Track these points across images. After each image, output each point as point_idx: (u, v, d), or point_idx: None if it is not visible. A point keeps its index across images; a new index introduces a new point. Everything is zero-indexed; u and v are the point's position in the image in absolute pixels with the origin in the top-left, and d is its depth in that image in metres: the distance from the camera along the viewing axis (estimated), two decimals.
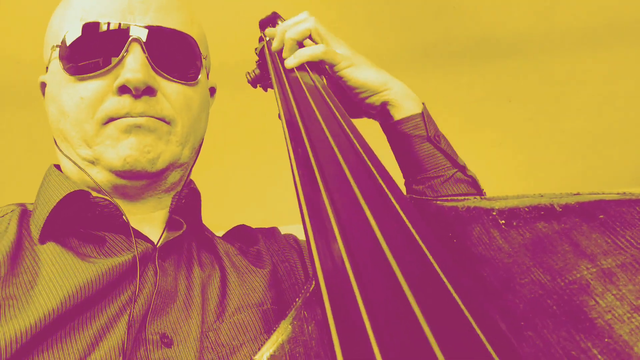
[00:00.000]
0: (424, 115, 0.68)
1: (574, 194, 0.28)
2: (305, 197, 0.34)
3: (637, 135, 2.03)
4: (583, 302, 0.25)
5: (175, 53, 0.60)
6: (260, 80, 0.74)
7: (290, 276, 0.69)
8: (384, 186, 0.32)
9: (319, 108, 0.45)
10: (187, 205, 0.63)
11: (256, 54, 0.78)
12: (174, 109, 0.59)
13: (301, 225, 0.35)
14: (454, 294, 0.24)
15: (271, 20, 0.74)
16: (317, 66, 0.67)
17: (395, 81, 0.69)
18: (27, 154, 1.83)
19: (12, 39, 1.54)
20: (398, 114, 0.68)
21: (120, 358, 0.46)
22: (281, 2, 1.48)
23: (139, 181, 0.58)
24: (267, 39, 0.75)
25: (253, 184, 2.06)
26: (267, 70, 0.71)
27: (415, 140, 0.67)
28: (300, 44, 0.69)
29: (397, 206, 0.29)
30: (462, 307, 0.23)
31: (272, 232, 0.77)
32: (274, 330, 0.35)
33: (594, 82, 1.86)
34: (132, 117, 0.55)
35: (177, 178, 0.63)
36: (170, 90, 0.59)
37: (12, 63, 1.59)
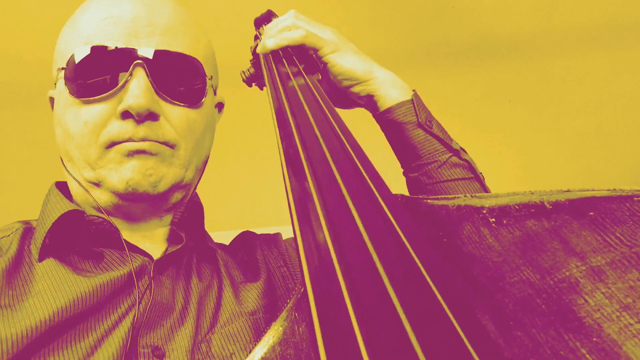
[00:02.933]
0: (414, 102, 0.67)
1: (565, 191, 0.27)
2: (295, 197, 0.34)
3: (637, 135, 2.02)
4: (572, 301, 0.24)
5: (179, 76, 0.60)
6: (255, 78, 0.74)
7: (287, 281, 0.69)
8: (372, 186, 0.32)
9: (309, 106, 0.45)
10: (189, 218, 0.63)
11: (251, 52, 0.78)
12: (177, 132, 0.59)
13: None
14: (439, 296, 0.23)
15: (266, 18, 0.74)
16: (310, 62, 0.67)
17: (380, 70, 0.69)
18: (28, 153, 1.83)
19: (12, 39, 1.54)
20: (383, 104, 0.68)
21: None
22: (282, 2, 1.48)
23: (141, 203, 0.58)
24: (262, 37, 0.75)
25: (250, 183, 2.05)
26: (261, 69, 0.71)
27: (406, 127, 0.67)
28: None
29: (385, 206, 0.29)
30: (446, 309, 0.23)
31: (274, 238, 0.77)
32: (265, 332, 0.35)
33: (594, 82, 1.85)
34: (134, 141, 0.55)
35: (180, 198, 0.63)
36: (174, 114, 0.59)
37: (12, 63, 1.60)
